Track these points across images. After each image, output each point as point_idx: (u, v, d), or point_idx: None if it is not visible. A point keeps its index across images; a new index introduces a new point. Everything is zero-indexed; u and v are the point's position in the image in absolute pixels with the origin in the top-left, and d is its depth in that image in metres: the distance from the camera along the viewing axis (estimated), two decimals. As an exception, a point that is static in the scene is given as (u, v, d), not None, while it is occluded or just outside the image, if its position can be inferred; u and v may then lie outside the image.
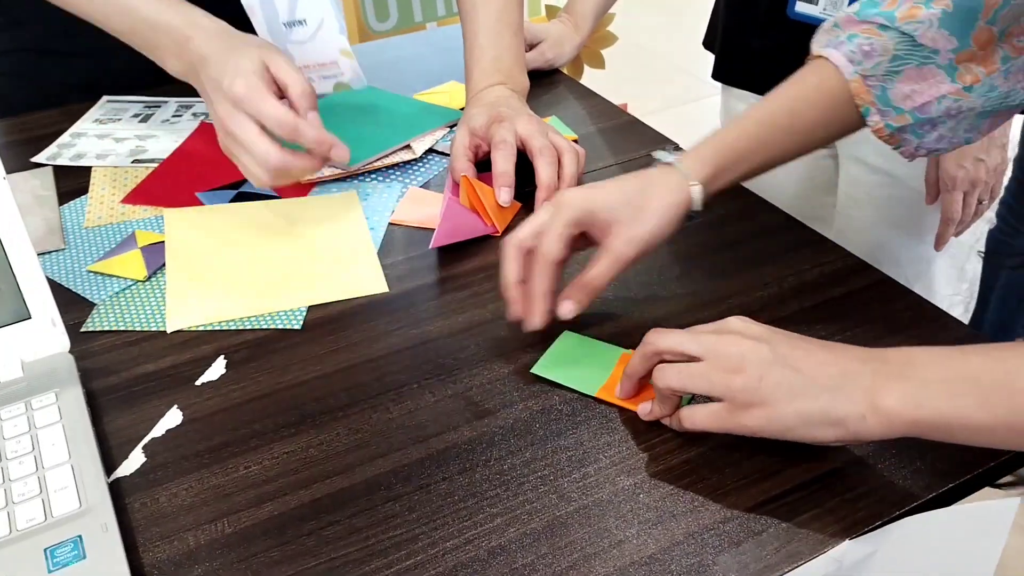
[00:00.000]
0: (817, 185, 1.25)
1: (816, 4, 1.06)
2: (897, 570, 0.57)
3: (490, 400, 0.66)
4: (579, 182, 0.88)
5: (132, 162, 0.95)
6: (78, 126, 1.02)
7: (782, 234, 0.84)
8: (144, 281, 0.78)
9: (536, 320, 0.68)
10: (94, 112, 1.04)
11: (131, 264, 0.79)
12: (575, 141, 0.96)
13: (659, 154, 0.73)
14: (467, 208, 0.85)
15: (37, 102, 1.06)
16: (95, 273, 0.79)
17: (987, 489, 0.61)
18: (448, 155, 0.96)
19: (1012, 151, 1.06)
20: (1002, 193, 1.12)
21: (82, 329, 0.73)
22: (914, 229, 1.15)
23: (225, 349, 0.71)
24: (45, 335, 0.67)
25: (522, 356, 0.69)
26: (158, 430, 0.64)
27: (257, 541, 0.56)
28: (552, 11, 1.62)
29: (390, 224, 0.86)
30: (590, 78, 1.51)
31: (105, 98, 1.07)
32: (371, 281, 0.78)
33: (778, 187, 1.21)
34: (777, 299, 0.75)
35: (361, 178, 0.93)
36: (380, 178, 0.93)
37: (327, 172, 0.92)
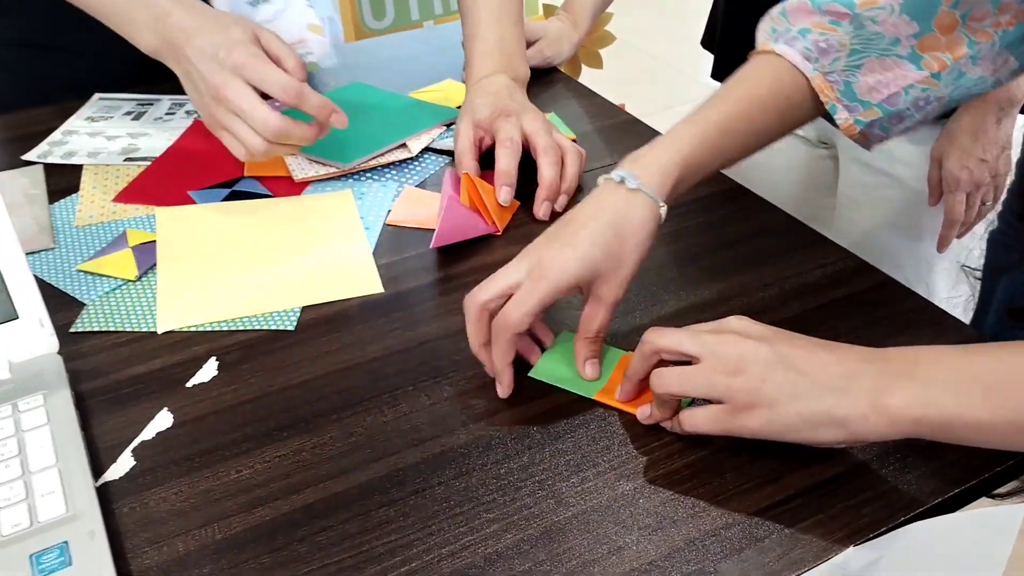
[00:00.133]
0: (817, 186, 1.24)
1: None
2: (902, 577, 0.56)
3: (487, 403, 0.65)
4: (580, 182, 0.87)
5: (124, 160, 0.93)
6: (69, 123, 1.00)
7: (783, 234, 0.83)
8: (135, 281, 0.77)
9: (506, 389, 0.64)
10: (86, 110, 1.03)
11: (122, 264, 0.78)
12: (574, 140, 0.95)
13: (621, 176, 0.66)
14: (467, 207, 0.83)
15: (22, 97, 1.04)
16: (85, 273, 0.78)
17: (983, 499, 0.60)
18: (445, 153, 0.95)
19: (1016, 153, 1.05)
20: (1004, 195, 1.11)
21: (71, 330, 0.72)
22: (914, 231, 1.14)
23: (217, 350, 0.70)
24: (33, 336, 0.66)
25: (519, 360, 0.68)
26: (148, 433, 0.63)
27: (248, 547, 0.55)
28: (549, 10, 1.62)
29: (386, 224, 0.85)
30: (588, 78, 1.49)
31: (97, 95, 1.06)
32: (366, 281, 0.77)
33: (777, 188, 1.20)
34: (778, 300, 0.74)
35: (356, 177, 0.92)
36: (376, 177, 0.92)
37: (322, 171, 0.91)
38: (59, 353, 0.67)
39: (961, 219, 1.05)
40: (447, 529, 0.55)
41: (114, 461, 0.61)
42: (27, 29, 1.06)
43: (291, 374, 0.67)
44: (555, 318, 0.70)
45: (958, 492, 0.57)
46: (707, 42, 1.29)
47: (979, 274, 1.20)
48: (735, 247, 0.81)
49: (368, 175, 0.92)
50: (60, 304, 0.74)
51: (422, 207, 0.87)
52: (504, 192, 0.83)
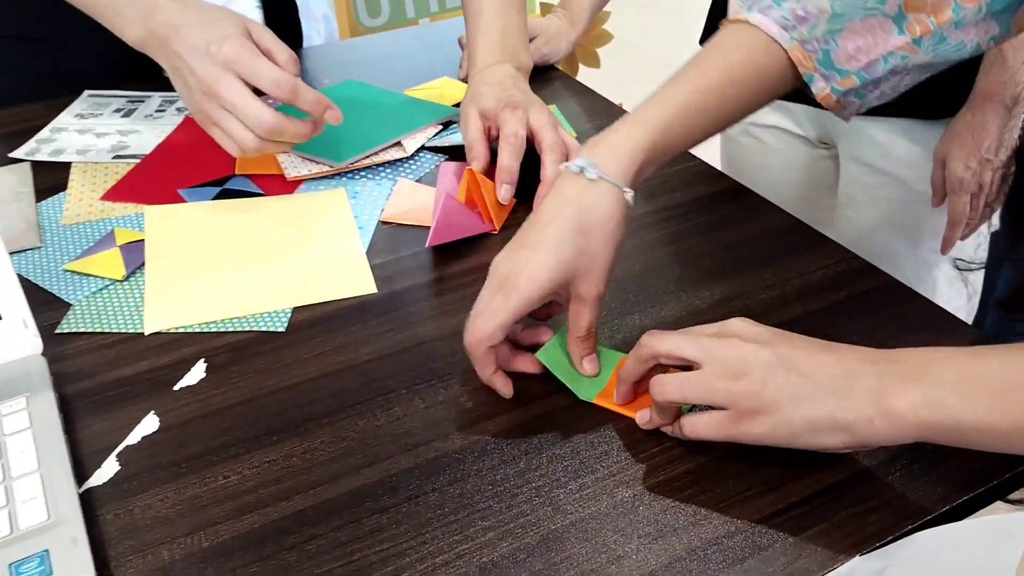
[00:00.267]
0: (817, 186, 1.23)
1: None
2: (909, 587, 0.54)
3: (483, 407, 0.63)
4: None
5: (113, 158, 0.92)
6: (58, 121, 0.99)
7: (785, 235, 0.82)
8: (122, 281, 0.75)
9: (503, 390, 0.63)
10: (75, 107, 1.01)
11: (109, 263, 0.76)
12: (575, 138, 0.94)
13: (580, 165, 0.63)
14: (464, 204, 0.82)
15: (12, 92, 1.03)
16: (72, 272, 0.76)
17: (998, 503, 0.58)
18: (441, 151, 0.94)
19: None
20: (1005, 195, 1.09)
21: (57, 330, 0.70)
22: (916, 232, 1.13)
23: (205, 352, 0.68)
24: (16, 337, 0.64)
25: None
26: (133, 437, 0.61)
27: (236, 556, 0.53)
28: (546, 8, 1.60)
29: (381, 222, 0.83)
30: (585, 77, 1.48)
31: (87, 92, 1.04)
32: (359, 281, 0.75)
33: (776, 188, 1.19)
34: (780, 302, 0.73)
35: (350, 176, 0.90)
36: (369, 176, 0.90)
37: (315, 169, 0.89)
38: (43, 354, 0.65)
39: (965, 220, 1.03)
40: (441, 537, 0.54)
41: (98, 466, 0.59)
42: (18, 23, 1.04)
43: (281, 377, 0.66)
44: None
45: (967, 499, 0.56)
46: (705, 41, 1.28)
47: (973, 267, 1.19)
48: (736, 248, 0.80)
49: (362, 174, 0.90)
50: (46, 304, 0.72)
51: (417, 201, 0.85)
52: (504, 190, 0.82)
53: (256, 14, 1.09)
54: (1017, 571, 0.54)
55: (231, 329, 0.70)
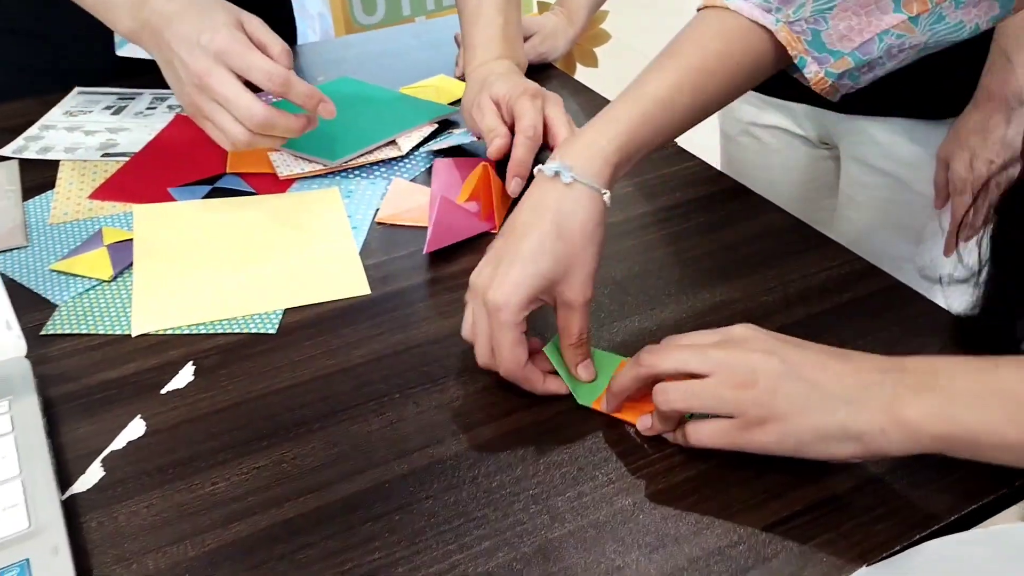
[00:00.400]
0: (817, 187, 1.22)
1: None
2: (917, 598, 0.53)
3: (478, 412, 0.62)
4: None
5: (102, 156, 0.90)
6: (47, 118, 0.97)
7: (786, 236, 0.80)
8: (110, 281, 0.73)
9: (561, 387, 0.63)
10: (65, 104, 1.00)
11: (96, 263, 0.74)
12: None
13: (555, 168, 0.62)
14: (460, 204, 0.80)
15: (1, 85, 1.01)
16: (58, 272, 0.74)
17: (1008, 511, 0.57)
18: (436, 154, 0.92)
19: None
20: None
21: (41, 332, 0.68)
22: (917, 233, 1.12)
23: (194, 354, 0.67)
24: (-1, 338, 0.63)
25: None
26: (119, 442, 0.60)
27: (223, 565, 0.52)
28: (544, 7, 1.59)
29: (375, 222, 0.82)
30: (583, 77, 1.47)
31: (77, 89, 1.03)
32: (352, 282, 0.74)
33: (775, 188, 1.17)
34: (782, 304, 0.71)
35: (344, 175, 0.88)
36: (364, 175, 0.89)
37: (307, 168, 0.88)
38: (27, 357, 0.64)
39: (968, 222, 1.02)
40: (435, 546, 0.52)
41: (82, 472, 0.57)
42: (7, 16, 1.02)
43: (272, 380, 0.64)
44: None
45: (976, 507, 0.55)
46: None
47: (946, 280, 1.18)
48: (737, 248, 0.78)
49: (356, 173, 0.89)
50: (31, 305, 0.71)
51: (412, 201, 0.84)
52: (515, 183, 0.80)
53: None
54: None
55: (221, 331, 0.69)
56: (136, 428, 0.61)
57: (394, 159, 0.91)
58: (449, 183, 0.85)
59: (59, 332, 0.68)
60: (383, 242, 0.79)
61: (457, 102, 1.00)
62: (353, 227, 0.81)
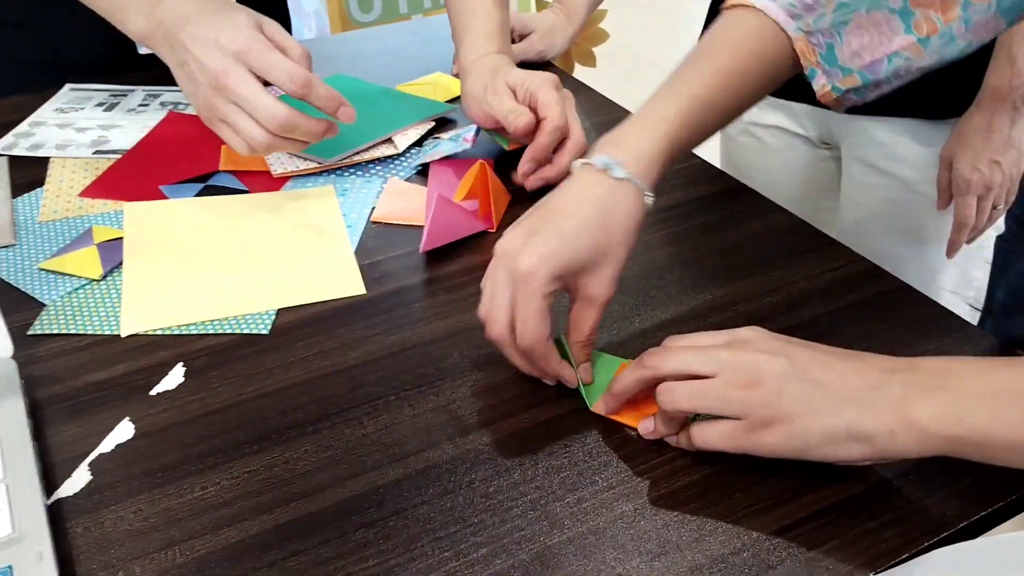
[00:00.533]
0: (818, 187, 1.21)
1: None
2: (926, 607, 0.52)
3: (475, 415, 0.60)
4: None
5: (93, 153, 0.89)
6: (38, 115, 0.96)
7: (789, 236, 0.79)
8: (99, 280, 0.72)
9: (584, 375, 0.61)
10: (56, 100, 0.98)
11: (86, 262, 0.73)
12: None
13: (604, 163, 0.61)
14: (458, 203, 0.79)
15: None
16: (47, 271, 0.73)
17: (1017, 518, 0.56)
18: (431, 157, 0.90)
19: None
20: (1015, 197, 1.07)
21: (29, 332, 0.67)
22: (919, 235, 1.11)
23: (184, 355, 0.65)
24: (-16, 339, 0.61)
25: (510, 367, 0.63)
26: (106, 445, 0.58)
27: (212, 572, 0.50)
28: (542, 5, 1.57)
29: (371, 221, 0.80)
30: (581, 77, 1.46)
31: (68, 86, 1.01)
32: (347, 282, 0.72)
33: (776, 189, 1.16)
34: (786, 305, 0.70)
35: (339, 173, 0.87)
36: (359, 173, 0.87)
37: (302, 166, 0.86)
38: (13, 357, 0.62)
39: (971, 223, 1.01)
40: (431, 553, 0.51)
41: (69, 476, 0.56)
42: (9, 10, 1.01)
43: (264, 382, 0.63)
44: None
45: (986, 514, 0.54)
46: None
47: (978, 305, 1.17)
48: (740, 249, 0.77)
49: (351, 171, 0.87)
50: (18, 304, 0.70)
51: (408, 201, 0.83)
52: (533, 180, 0.82)
53: None
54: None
55: (212, 331, 0.67)
56: (124, 431, 0.59)
57: (390, 157, 0.90)
58: (446, 181, 0.84)
59: (47, 332, 0.67)
60: (379, 241, 0.78)
61: (454, 100, 0.99)
62: (348, 226, 0.79)
